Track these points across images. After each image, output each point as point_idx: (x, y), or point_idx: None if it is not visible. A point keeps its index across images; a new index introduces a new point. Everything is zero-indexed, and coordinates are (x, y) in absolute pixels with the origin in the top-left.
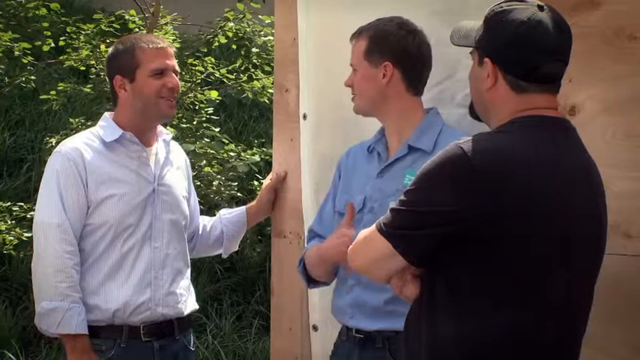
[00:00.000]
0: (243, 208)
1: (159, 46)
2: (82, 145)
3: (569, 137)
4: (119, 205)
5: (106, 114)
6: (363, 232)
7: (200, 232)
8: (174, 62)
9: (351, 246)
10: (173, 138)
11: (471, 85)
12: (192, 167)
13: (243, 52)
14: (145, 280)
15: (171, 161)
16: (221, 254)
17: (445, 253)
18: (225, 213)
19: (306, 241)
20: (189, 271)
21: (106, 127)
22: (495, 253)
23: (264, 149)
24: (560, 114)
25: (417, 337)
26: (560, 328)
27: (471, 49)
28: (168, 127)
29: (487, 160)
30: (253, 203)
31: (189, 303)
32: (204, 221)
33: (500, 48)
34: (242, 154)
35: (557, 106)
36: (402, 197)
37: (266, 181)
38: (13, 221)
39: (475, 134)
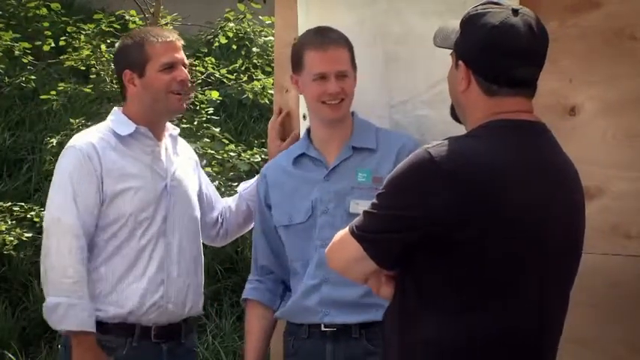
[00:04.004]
0: (257, 177)
1: (168, 39)
2: (97, 139)
3: (541, 141)
4: (135, 199)
5: (116, 109)
6: (339, 234)
7: (228, 214)
8: (183, 55)
9: (328, 246)
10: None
11: (449, 87)
12: None
13: (243, 53)
14: (159, 276)
15: (180, 156)
16: (220, 251)
17: (415, 256)
18: (244, 188)
19: (256, 272)
20: (201, 269)
21: (118, 121)
22: (464, 257)
23: (265, 149)
24: (534, 117)
25: (390, 338)
26: (532, 330)
27: (450, 50)
28: None
29: (454, 164)
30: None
31: (198, 304)
32: (229, 202)
33: (473, 51)
34: (242, 154)
35: (532, 109)
36: (374, 200)
37: (270, 134)
38: (14, 222)
39: (445, 138)
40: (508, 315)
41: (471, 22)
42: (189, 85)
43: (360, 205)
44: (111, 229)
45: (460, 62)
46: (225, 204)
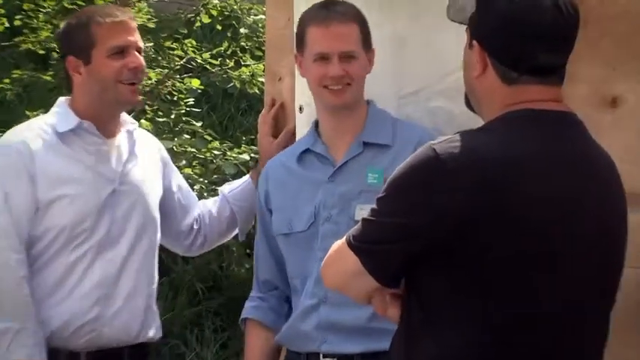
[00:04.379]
0: (246, 177)
1: (117, 19)
2: (31, 136)
3: (571, 132)
4: (71, 208)
5: (61, 99)
6: (336, 244)
7: (207, 220)
8: (136, 38)
9: (323, 260)
10: (152, 133)
11: (463, 71)
12: None
13: (229, 34)
14: (93, 295)
15: (138, 155)
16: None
17: (418, 268)
18: (228, 189)
19: (257, 288)
20: (154, 288)
21: (60, 114)
22: (471, 267)
23: (255, 147)
24: (564, 107)
25: None
26: (546, 350)
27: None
28: (142, 122)
29: (461, 162)
30: (254, 170)
31: (147, 328)
32: (209, 206)
33: (488, 31)
34: (228, 152)
35: (560, 98)
36: (374, 205)
37: (262, 129)
38: None
39: (455, 133)
40: (517, 327)
41: None
42: (144, 73)
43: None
44: (42, 242)
45: (474, 42)
46: (204, 208)
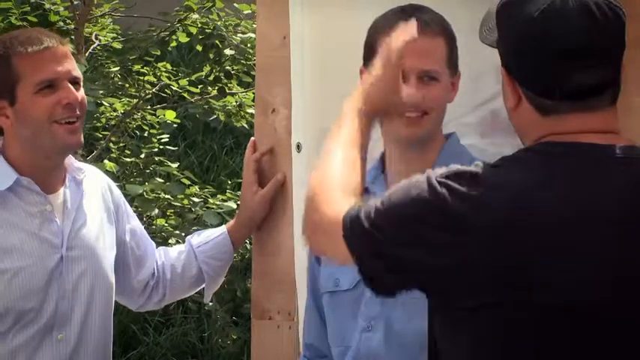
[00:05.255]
0: (222, 229)
1: (43, 46)
2: None
3: (605, 168)
4: (13, 286)
5: None
6: (329, 209)
7: (169, 275)
8: (68, 66)
9: (308, 222)
10: (114, 176)
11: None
12: (139, 218)
13: (211, 56)
14: None
15: (87, 210)
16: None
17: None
18: (199, 243)
19: (305, 350)
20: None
21: None
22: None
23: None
24: (610, 140)
25: None
26: None
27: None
28: (105, 162)
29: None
30: (233, 222)
31: None
32: (172, 257)
33: (511, 55)
34: (210, 199)
35: (608, 127)
36: (375, 211)
37: (245, 174)
38: None
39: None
40: None
41: (503, 14)
42: (83, 107)
43: None
44: None
45: (502, 70)
46: (167, 259)
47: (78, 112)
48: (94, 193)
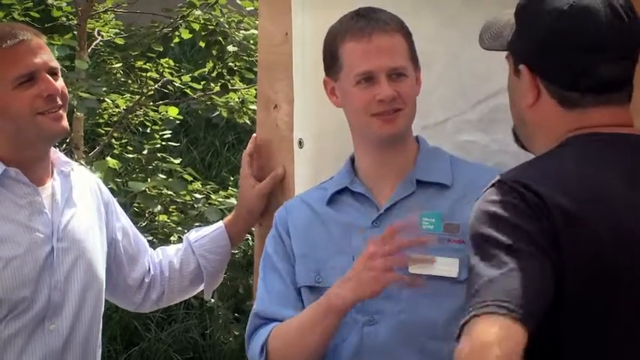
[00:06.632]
0: (219, 223)
1: (17, 40)
2: None
3: None
4: (5, 275)
5: None
6: (469, 337)
7: (167, 273)
8: (45, 58)
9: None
10: (119, 172)
11: (509, 102)
12: (141, 215)
13: (214, 52)
14: None
15: (77, 202)
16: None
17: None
18: (196, 238)
19: (250, 329)
20: (99, 354)
21: None
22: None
23: None
24: (637, 132)
25: None
26: None
27: (505, 52)
28: (107, 159)
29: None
30: (230, 216)
31: None
32: (170, 254)
33: (536, 50)
34: (212, 196)
35: (631, 122)
36: (480, 257)
37: (243, 169)
38: None
39: (512, 168)
40: None
41: (528, 11)
42: (65, 97)
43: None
44: None
45: (522, 67)
46: (164, 258)
47: (60, 102)
48: (82, 188)
